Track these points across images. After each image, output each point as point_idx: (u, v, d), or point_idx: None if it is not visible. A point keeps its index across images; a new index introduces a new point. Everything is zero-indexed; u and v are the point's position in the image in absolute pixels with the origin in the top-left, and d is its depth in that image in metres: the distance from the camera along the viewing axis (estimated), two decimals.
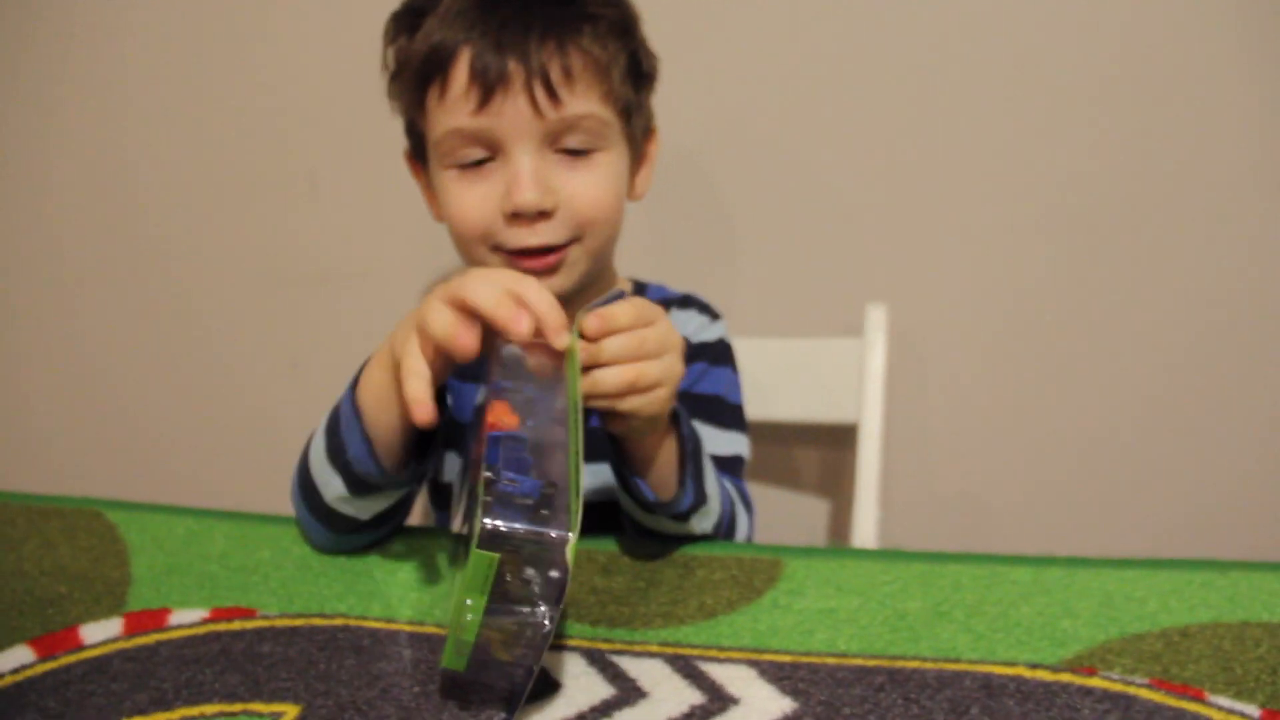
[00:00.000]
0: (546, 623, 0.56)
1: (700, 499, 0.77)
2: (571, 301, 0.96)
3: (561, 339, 0.64)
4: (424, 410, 0.63)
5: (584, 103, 0.86)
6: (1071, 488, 1.25)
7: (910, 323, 1.20)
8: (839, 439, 1.28)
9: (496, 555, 0.54)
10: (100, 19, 1.44)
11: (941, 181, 1.20)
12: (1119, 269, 1.19)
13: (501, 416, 0.60)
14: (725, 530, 0.84)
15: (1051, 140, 1.16)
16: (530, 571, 0.54)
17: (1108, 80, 1.14)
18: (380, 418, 0.74)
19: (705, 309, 1.03)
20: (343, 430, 0.75)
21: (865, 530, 1.08)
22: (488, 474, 0.56)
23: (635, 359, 0.67)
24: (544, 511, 0.55)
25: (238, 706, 0.63)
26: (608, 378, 0.66)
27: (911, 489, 1.26)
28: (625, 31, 0.92)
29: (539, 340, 0.65)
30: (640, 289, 1.04)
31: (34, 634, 0.72)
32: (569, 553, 0.54)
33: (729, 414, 0.97)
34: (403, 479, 0.77)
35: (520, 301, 0.64)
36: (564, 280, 0.91)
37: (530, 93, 0.84)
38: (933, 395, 1.25)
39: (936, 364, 1.25)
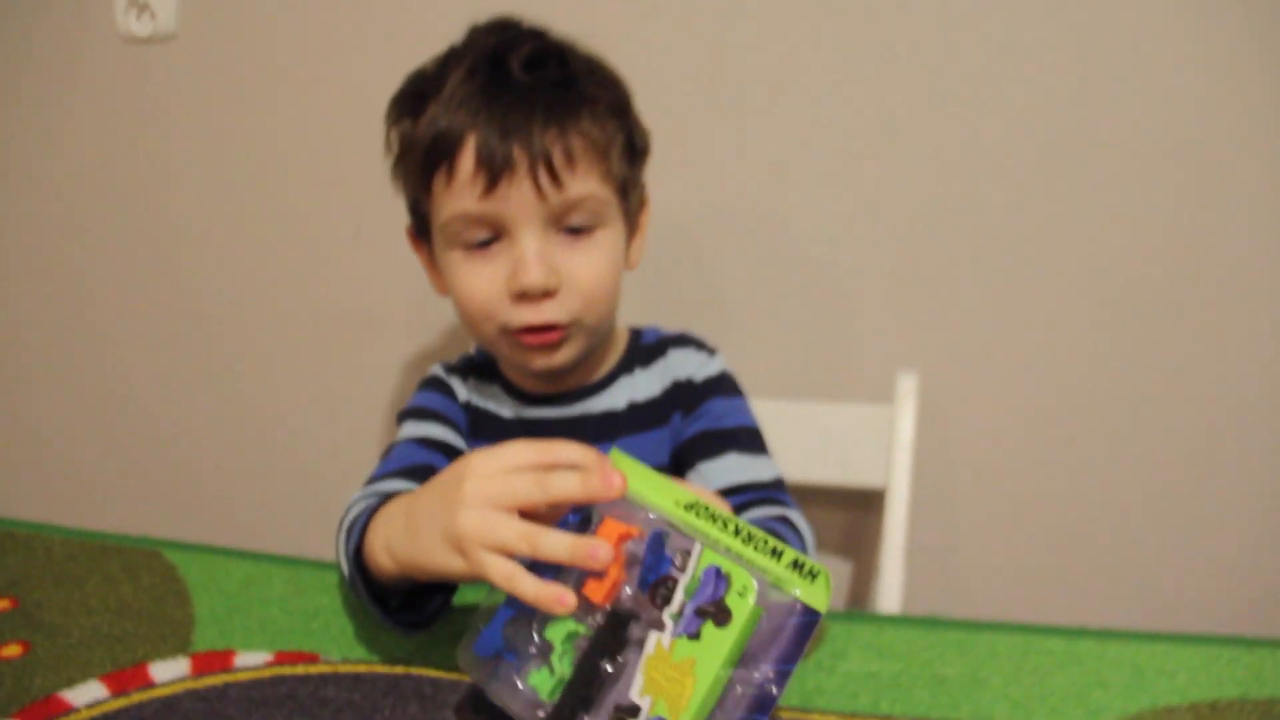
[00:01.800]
0: (774, 689, 0.56)
1: None
2: (572, 371, 0.99)
3: (614, 483, 0.63)
4: (569, 602, 0.60)
5: (584, 184, 0.89)
6: (1095, 560, 1.27)
7: (939, 390, 1.23)
8: (862, 503, 1.31)
9: (760, 609, 0.56)
10: (155, 65, 1.48)
11: (974, 253, 1.23)
12: (1151, 342, 1.21)
13: (621, 529, 0.62)
14: None
15: (1085, 215, 1.20)
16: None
17: (1144, 154, 1.17)
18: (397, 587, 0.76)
19: (701, 346, 1.06)
20: (360, 596, 0.77)
21: (890, 595, 1.10)
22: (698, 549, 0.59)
23: None
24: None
25: None
26: None
27: (934, 555, 1.28)
28: (621, 111, 0.95)
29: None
30: (636, 335, 1.07)
31: (105, 669, 0.75)
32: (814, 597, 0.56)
33: (758, 440, 0.99)
34: (428, 612, 0.78)
35: (555, 465, 0.65)
36: (565, 355, 0.94)
37: (535, 177, 0.87)
38: (959, 463, 1.28)
39: (964, 432, 1.28)
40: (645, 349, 1.05)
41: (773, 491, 0.92)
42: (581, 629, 0.62)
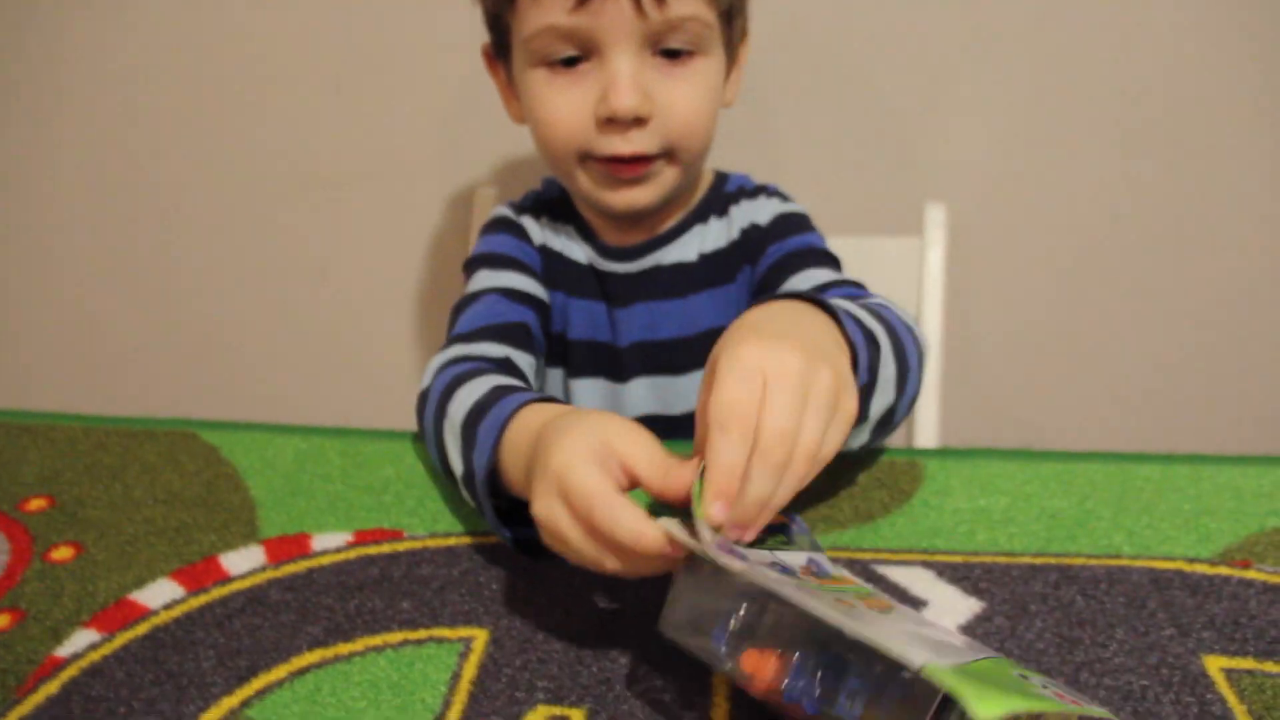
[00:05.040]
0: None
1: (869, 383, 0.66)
2: (659, 211, 0.93)
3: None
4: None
5: (688, 3, 0.82)
6: (1124, 385, 1.29)
7: (966, 222, 1.21)
8: None
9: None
10: None
11: (999, 84, 1.22)
12: (1176, 172, 1.22)
13: (765, 663, 0.50)
14: (914, 385, 0.76)
15: (1115, 44, 1.19)
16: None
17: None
18: None
19: (776, 194, 0.99)
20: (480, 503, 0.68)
21: (928, 426, 1.10)
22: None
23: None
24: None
25: (422, 633, 0.62)
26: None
27: (966, 386, 1.28)
28: None
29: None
30: (720, 180, 1.00)
31: (172, 565, 0.69)
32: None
33: (834, 260, 0.92)
34: None
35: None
36: (651, 192, 0.88)
37: None
38: (987, 293, 1.28)
39: (991, 262, 1.27)
40: (725, 197, 0.98)
41: (860, 289, 0.84)
42: None
